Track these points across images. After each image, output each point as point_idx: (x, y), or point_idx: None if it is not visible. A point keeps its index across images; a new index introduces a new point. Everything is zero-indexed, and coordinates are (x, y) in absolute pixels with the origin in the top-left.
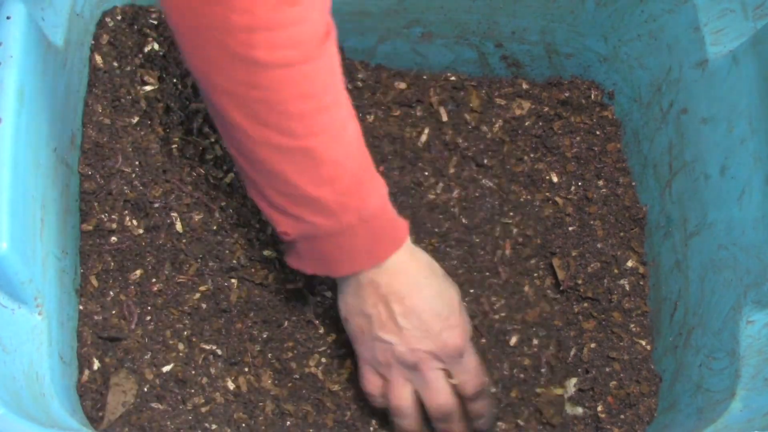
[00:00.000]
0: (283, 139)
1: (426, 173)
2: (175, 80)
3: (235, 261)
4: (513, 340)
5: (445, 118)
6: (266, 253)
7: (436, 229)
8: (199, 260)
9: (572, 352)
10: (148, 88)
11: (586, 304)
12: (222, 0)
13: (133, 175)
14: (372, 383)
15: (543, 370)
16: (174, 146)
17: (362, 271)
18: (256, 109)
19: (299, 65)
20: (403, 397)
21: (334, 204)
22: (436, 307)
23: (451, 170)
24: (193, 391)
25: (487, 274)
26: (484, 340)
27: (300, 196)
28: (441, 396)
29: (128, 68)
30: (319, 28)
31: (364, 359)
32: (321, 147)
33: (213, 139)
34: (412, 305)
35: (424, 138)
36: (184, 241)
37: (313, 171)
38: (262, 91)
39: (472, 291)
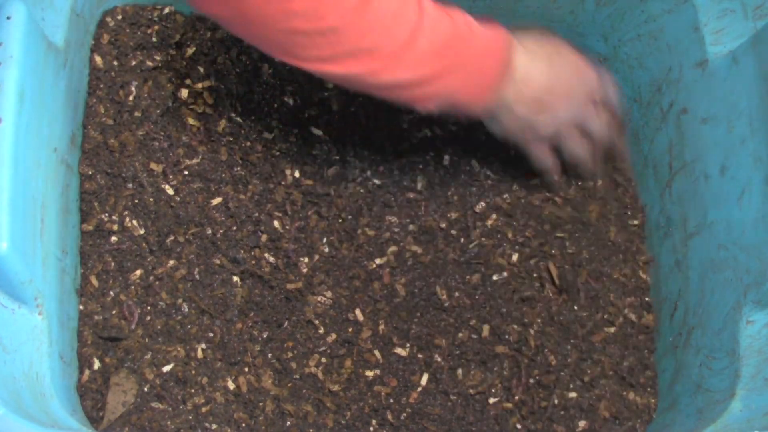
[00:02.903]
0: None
1: (424, 171)
2: (175, 80)
3: (236, 261)
4: (512, 338)
5: (444, 117)
6: (267, 254)
7: (434, 226)
8: (200, 260)
9: (572, 352)
10: (148, 88)
11: (585, 304)
12: None
13: (134, 176)
14: (547, 156)
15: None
16: (176, 145)
17: (500, 91)
18: (355, 50)
19: None
20: (581, 144)
21: (458, 63)
22: (570, 69)
23: (450, 169)
24: (193, 391)
25: (488, 274)
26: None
27: (434, 76)
28: (606, 127)
29: (129, 68)
30: None
31: (536, 146)
32: (435, 27)
33: (214, 138)
34: (555, 85)
35: (422, 135)
36: (185, 240)
37: (439, 48)
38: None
39: (472, 288)
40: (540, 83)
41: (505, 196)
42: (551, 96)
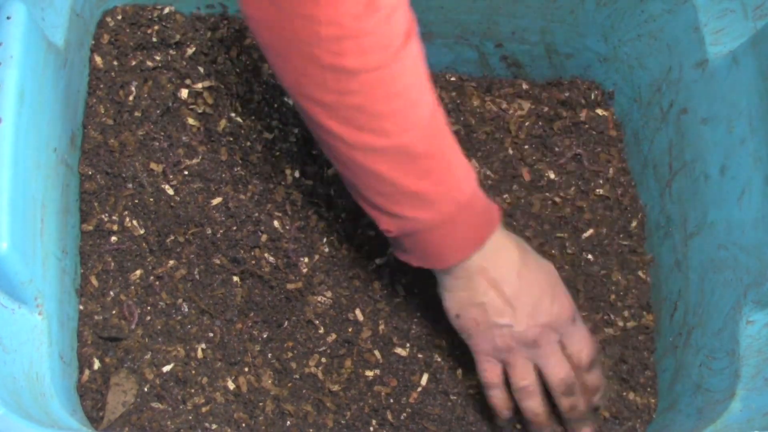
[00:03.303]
0: (378, 140)
1: None
2: (175, 80)
3: (236, 261)
4: None
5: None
6: (267, 254)
7: None
8: (200, 260)
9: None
10: (149, 88)
11: (585, 304)
12: (308, 14)
13: (134, 176)
14: (493, 372)
15: None
16: (176, 145)
17: (468, 260)
18: (349, 115)
19: (387, 67)
20: (528, 376)
21: (433, 195)
22: (541, 281)
23: None
24: (193, 391)
25: None
26: None
27: (398, 193)
28: (564, 367)
29: (129, 68)
30: (402, 27)
31: (482, 351)
32: (414, 142)
33: (214, 138)
34: (521, 284)
35: None
36: (185, 240)
37: (409, 166)
38: (353, 97)
39: None
40: (514, 269)
41: (505, 196)
42: (517, 290)
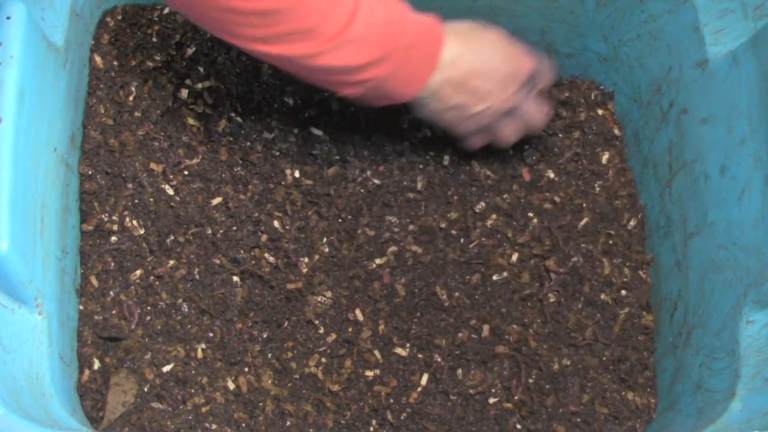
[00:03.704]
0: (314, 45)
1: (424, 171)
2: (175, 80)
3: (236, 261)
4: (512, 338)
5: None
6: (267, 254)
7: (434, 226)
8: (199, 260)
9: (572, 352)
10: (148, 88)
11: (585, 304)
12: None
13: (134, 176)
14: (479, 140)
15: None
16: (176, 145)
17: (428, 83)
18: (285, 39)
19: None
20: (512, 133)
21: (383, 55)
22: (497, 57)
23: (450, 168)
24: (193, 391)
25: (488, 274)
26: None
27: (353, 70)
28: (542, 111)
29: (129, 68)
30: None
31: (469, 131)
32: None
33: (214, 138)
34: (485, 71)
35: (422, 135)
36: (185, 240)
37: (356, 50)
38: (281, 19)
39: (472, 288)
40: (469, 67)
41: (505, 196)
42: (480, 80)
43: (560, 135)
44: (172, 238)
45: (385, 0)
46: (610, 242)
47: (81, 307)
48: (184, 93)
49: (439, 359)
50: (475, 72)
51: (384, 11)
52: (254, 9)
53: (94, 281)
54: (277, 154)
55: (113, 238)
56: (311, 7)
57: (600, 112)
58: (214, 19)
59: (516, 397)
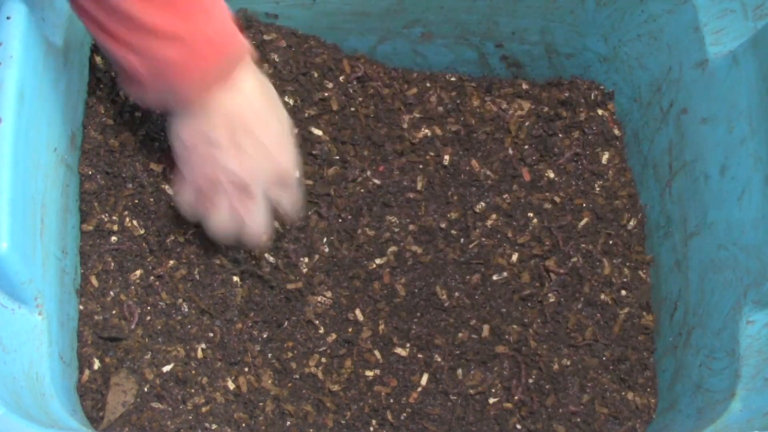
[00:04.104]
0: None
1: (424, 171)
2: None
3: (236, 261)
4: (512, 338)
5: (444, 117)
6: (267, 254)
7: (434, 226)
8: (199, 260)
9: (572, 352)
10: None
11: (585, 304)
12: None
13: (134, 176)
14: (193, 200)
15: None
16: None
17: (210, 96)
18: None
19: None
20: (223, 224)
21: (180, 31)
22: (276, 132)
23: (450, 168)
24: (193, 391)
25: (488, 274)
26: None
27: (144, 29)
28: (263, 222)
29: None
30: None
31: (192, 181)
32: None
33: None
34: (258, 132)
35: (422, 135)
36: (185, 240)
37: (152, 9)
38: None
39: (472, 288)
40: (248, 124)
41: (505, 196)
42: (247, 146)
43: (560, 135)
44: (172, 238)
45: None
46: (610, 242)
47: (81, 307)
48: None
49: (439, 359)
50: (253, 128)
51: None
52: None
53: (94, 281)
54: None
55: (113, 238)
56: None
57: (600, 112)
58: None
59: (516, 397)
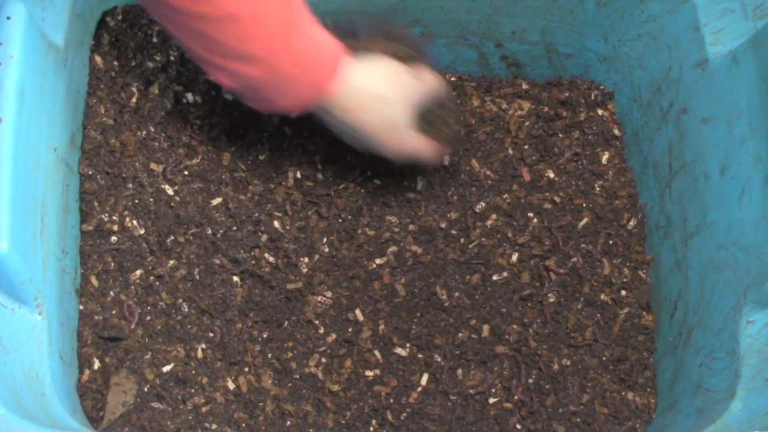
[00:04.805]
0: (205, 7)
1: (424, 171)
2: (175, 80)
3: (236, 261)
4: (512, 338)
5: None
6: (267, 254)
7: (434, 226)
8: (200, 260)
9: (572, 352)
10: (149, 88)
11: (585, 304)
12: None
13: (134, 176)
14: (424, 141)
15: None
16: (176, 146)
17: (333, 96)
18: None
19: None
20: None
21: (264, 54)
22: (403, 81)
23: (450, 168)
24: (193, 391)
25: (488, 274)
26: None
27: (230, 52)
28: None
29: (129, 68)
30: None
31: (408, 137)
32: (241, 9)
33: (214, 136)
34: (388, 89)
35: None
36: (185, 240)
37: (239, 31)
38: None
39: (472, 288)
40: (377, 88)
41: (505, 196)
42: (393, 94)
43: (560, 135)
44: (172, 238)
45: (292, 7)
46: (610, 242)
47: (81, 307)
48: (184, 93)
49: (439, 359)
50: (383, 89)
51: (288, 15)
52: None
53: (94, 281)
54: (278, 154)
55: (113, 238)
56: None
57: (600, 112)
58: None
59: (516, 397)
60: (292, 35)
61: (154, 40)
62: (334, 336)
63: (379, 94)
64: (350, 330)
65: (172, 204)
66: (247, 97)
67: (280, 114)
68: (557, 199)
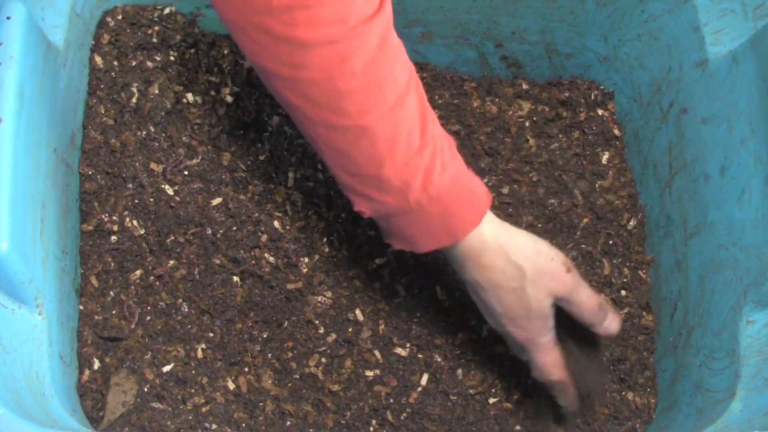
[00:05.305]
0: (337, 118)
1: None
2: (175, 80)
3: (236, 261)
4: None
5: (444, 117)
6: (267, 254)
7: None
8: (200, 260)
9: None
10: (149, 88)
11: None
12: None
13: (134, 176)
14: (554, 356)
15: None
16: (176, 146)
17: (455, 246)
18: (307, 90)
19: (343, 41)
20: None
21: (397, 182)
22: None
23: None
24: (193, 391)
25: None
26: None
27: (365, 175)
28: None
29: (129, 68)
30: (366, 5)
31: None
32: (374, 124)
33: (214, 136)
34: (538, 257)
35: None
36: (185, 240)
37: (371, 149)
38: (308, 71)
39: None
40: (524, 252)
41: (505, 195)
42: (540, 272)
43: (560, 135)
44: (172, 238)
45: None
46: (610, 242)
47: (81, 307)
48: (184, 93)
49: (439, 359)
50: (531, 256)
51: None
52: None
53: (94, 281)
54: (278, 154)
55: (113, 238)
56: (350, 83)
57: (600, 112)
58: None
59: (516, 397)
60: (432, 165)
61: (154, 40)
62: (334, 336)
63: (514, 261)
64: (350, 330)
65: (172, 204)
66: (382, 229)
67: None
68: (557, 199)
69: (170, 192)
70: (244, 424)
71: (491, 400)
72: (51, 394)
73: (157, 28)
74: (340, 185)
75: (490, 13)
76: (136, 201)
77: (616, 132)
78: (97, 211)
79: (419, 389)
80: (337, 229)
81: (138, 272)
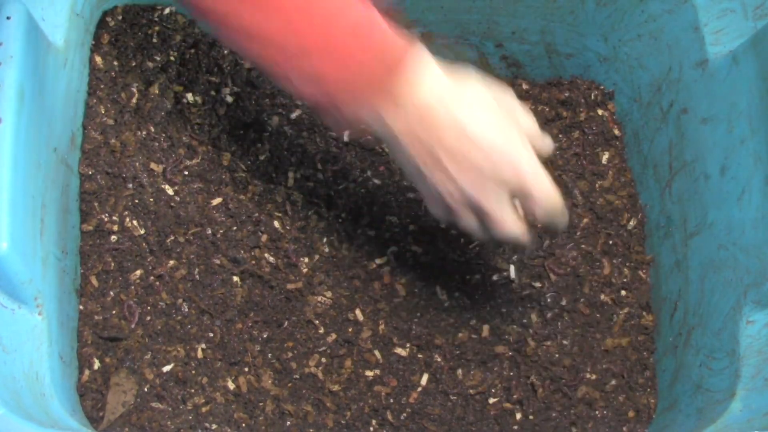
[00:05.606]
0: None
1: None
2: (175, 80)
3: (236, 261)
4: (512, 338)
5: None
6: (267, 254)
7: (434, 226)
8: (200, 260)
9: (572, 352)
10: (149, 88)
11: (585, 304)
12: None
13: (134, 176)
14: (441, 213)
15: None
16: (176, 146)
17: (393, 100)
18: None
19: None
20: (476, 232)
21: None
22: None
23: None
24: (193, 391)
25: (488, 274)
26: (485, 334)
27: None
28: (510, 226)
29: (129, 68)
30: None
31: (428, 197)
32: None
33: (214, 136)
34: (469, 133)
35: None
36: (185, 240)
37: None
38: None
39: (472, 288)
40: (449, 117)
41: None
42: (457, 142)
43: (560, 135)
44: (172, 238)
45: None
46: (610, 242)
47: (81, 307)
48: (184, 93)
49: (439, 359)
50: (455, 127)
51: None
52: None
53: (94, 281)
54: (278, 154)
55: (113, 238)
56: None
57: (600, 112)
58: None
59: (516, 397)
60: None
61: (154, 40)
62: (334, 336)
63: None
64: (350, 330)
65: (172, 204)
66: (319, 105)
67: (351, 126)
68: None
69: (170, 192)
70: (244, 424)
71: (491, 400)
72: (51, 394)
73: (157, 28)
74: (284, 82)
75: (490, 13)
76: (136, 201)
77: (616, 132)
78: (97, 211)
79: (419, 389)
80: (337, 229)
81: (138, 272)
